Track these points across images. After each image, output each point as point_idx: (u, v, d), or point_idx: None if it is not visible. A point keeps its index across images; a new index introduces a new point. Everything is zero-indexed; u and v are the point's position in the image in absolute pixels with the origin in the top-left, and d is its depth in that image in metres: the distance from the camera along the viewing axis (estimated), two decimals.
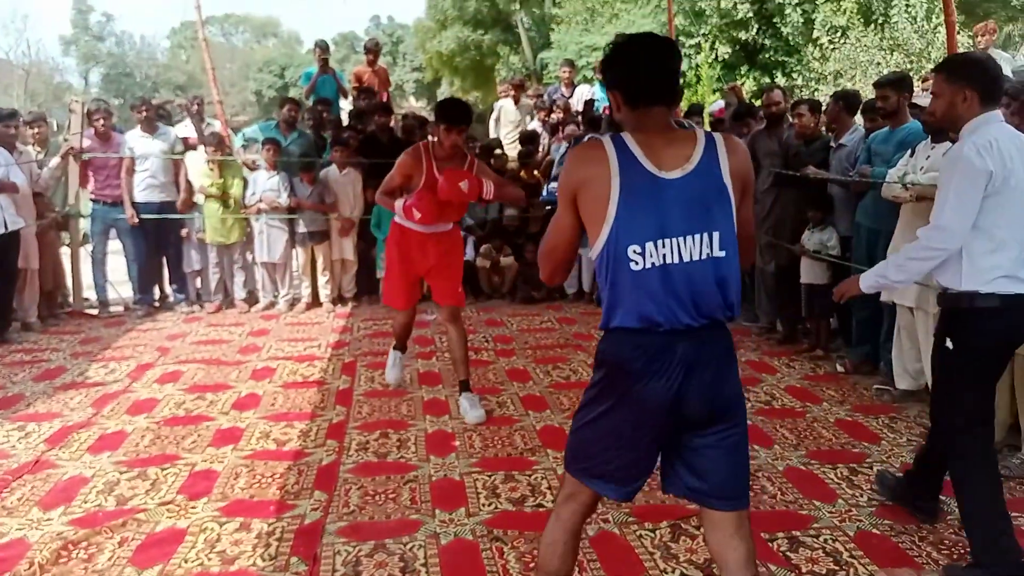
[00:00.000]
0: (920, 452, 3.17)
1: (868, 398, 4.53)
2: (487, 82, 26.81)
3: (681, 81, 9.81)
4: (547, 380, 4.91)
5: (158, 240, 6.99)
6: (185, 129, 7.68)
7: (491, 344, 5.81)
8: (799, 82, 15.11)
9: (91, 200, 6.96)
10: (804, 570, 2.71)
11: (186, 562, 2.78)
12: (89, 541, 2.91)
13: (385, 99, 8.81)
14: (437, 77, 30.98)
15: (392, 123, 7.83)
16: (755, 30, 16.11)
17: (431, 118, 6.30)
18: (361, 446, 3.85)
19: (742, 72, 16.20)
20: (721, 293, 1.87)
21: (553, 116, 8.66)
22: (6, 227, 5.75)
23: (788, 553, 2.82)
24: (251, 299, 7.19)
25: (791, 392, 4.62)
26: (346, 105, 8.86)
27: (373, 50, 9.19)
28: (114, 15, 52.72)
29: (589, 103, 8.70)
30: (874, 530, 2.98)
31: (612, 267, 1.86)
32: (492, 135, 9.02)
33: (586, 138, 2.10)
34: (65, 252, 7.17)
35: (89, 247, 7.01)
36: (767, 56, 16.33)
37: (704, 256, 1.84)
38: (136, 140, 6.89)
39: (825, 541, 2.90)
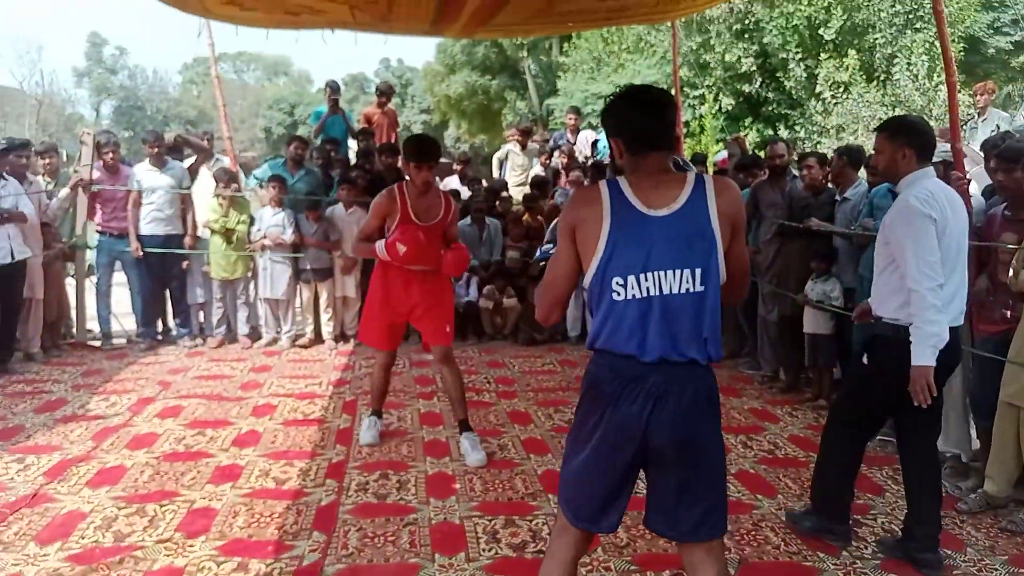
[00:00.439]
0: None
1: (871, 449, 4.49)
2: (493, 126, 27.13)
3: (684, 130, 9.96)
4: (549, 423, 4.89)
5: (162, 273, 7.01)
6: (191, 160, 7.76)
7: (493, 385, 5.80)
8: (801, 135, 15.29)
9: (97, 232, 7.01)
10: None
11: None
12: None
13: (393, 140, 8.92)
14: (445, 120, 31.34)
15: (399, 163, 7.90)
16: (758, 83, 16.35)
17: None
18: (361, 487, 3.83)
19: (745, 124, 16.39)
20: (697, 328, 1.99)
21: (556, 160, 8.78)
22: (13, 257, 5.77)
23: None
24: (254, 335, 7.19)
25: (794, 441, 4.60)
26: (354, 145, 8.96)
27: (386, 93, 9.35)
28: (127, 49, 53.51)
29: (594, 147, 8.82)
30: None
31: (598, 295, 2.03)
32: (496, 177, 9.12)
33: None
34: (70, 283, 7.20)
35: (94, 279, 7.04)
36: (770, 108, 16.54)
37: (684, 290, 1.97)
38: (144, 173, 6.95)
39: None
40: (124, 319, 7.19)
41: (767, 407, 5.32)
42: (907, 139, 2.97)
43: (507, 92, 26.02)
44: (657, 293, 1.97)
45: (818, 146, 13.78)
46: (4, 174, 5.88)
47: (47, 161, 7.02)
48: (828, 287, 5.15)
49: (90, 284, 7.09)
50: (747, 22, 16.04)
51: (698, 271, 1.97)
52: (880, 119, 13.11)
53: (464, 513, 3.53)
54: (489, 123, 27.85)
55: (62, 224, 6.94)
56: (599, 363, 2.07)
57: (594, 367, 2.09)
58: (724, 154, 9.48)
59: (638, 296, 1.98)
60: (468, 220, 7.41)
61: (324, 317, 7.19)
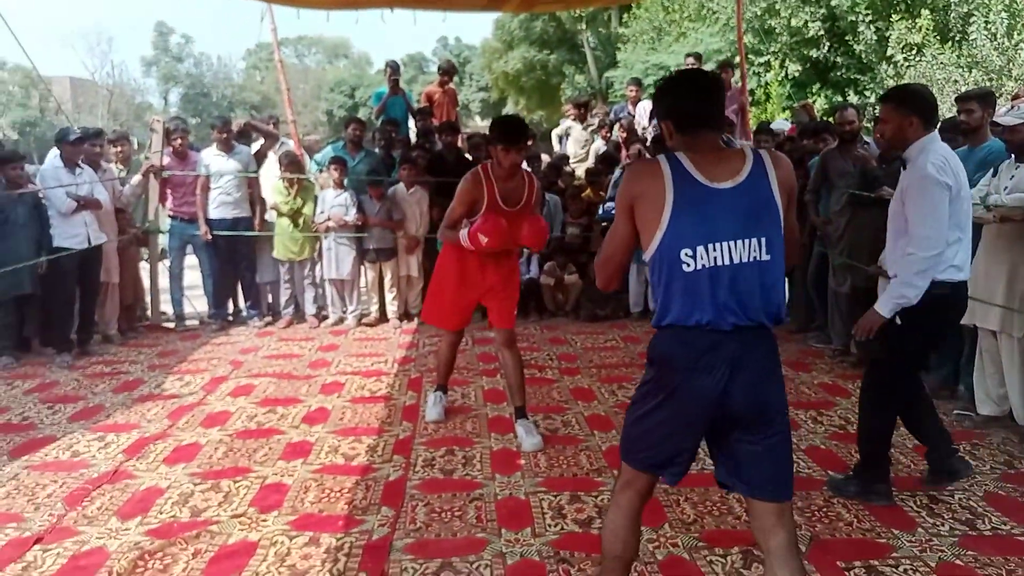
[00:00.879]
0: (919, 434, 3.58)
1: (948, 423, 4.34)
2: (552, 101, 26.96)
3: (749, 98, 9.73)
4: (612, 400, 4.86)
5: (232, 256, 7.16)
6: (258, 146, 7.90)
7: (555, 362, 5.79)
8: (872, 100, 14.74)
9: (169, 216, 7.20)
10: None
11: (257, 575, 2.83)
12: (164, 552, 2.98)
13: (453, 119, 8.92)
14: (503, 97, 31.29)
15: (459, 142, 7.91)
16: (826, 48, 15.81)
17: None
18: (427, 462, 3.87)
19: (813, 90, 15.89)
20: (766, 294, 2.05)
21: (616, 134, 8.66)
22: (90, 242, 5.98)
23: None
24: (321, 315, 7.32)
25: None
26: (415, 125, 9.00)
27: (448, 71, 9.34)
28: (193, 37, 54.74)
29: (652, 119, 8.67)
30: (957, 561, 2.87)
31: (666, 269, 2.06)
32: (557, 152, 9.05)
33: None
34: (144, 267, 7.43)
35: (167, 262, 7.25)
36: (839, 74, 16.00)
37: (751, 259, 2.03)
38: (212, 158, 7.09)
39: (905, 572, 2.80)
40: (196, 301, 7.39)
41: (838, 381, 5.18)
42: (913, 107, 3.13)
43: (566, 66, 25.80)
44: (725, 263, 2.02)
45: None
46: (80, 163, 6.07)
47: (119, 149, 7.22)
48: None
49: (163, 267, 7.30)
50: None
51: (763, 240, 2.04)
52: (955, 81, 12.61)
53: (529, 489, 3.55)
54: (548, 99, 27.68)
55: (135, 210, 7.14)
56: (669, 339, 2.10)
57: (663, 344, 2.13)
58: (781, 124, 9.16)
59: (708, 266, 2.02)
60: None
61: (389, 296, 7.27)
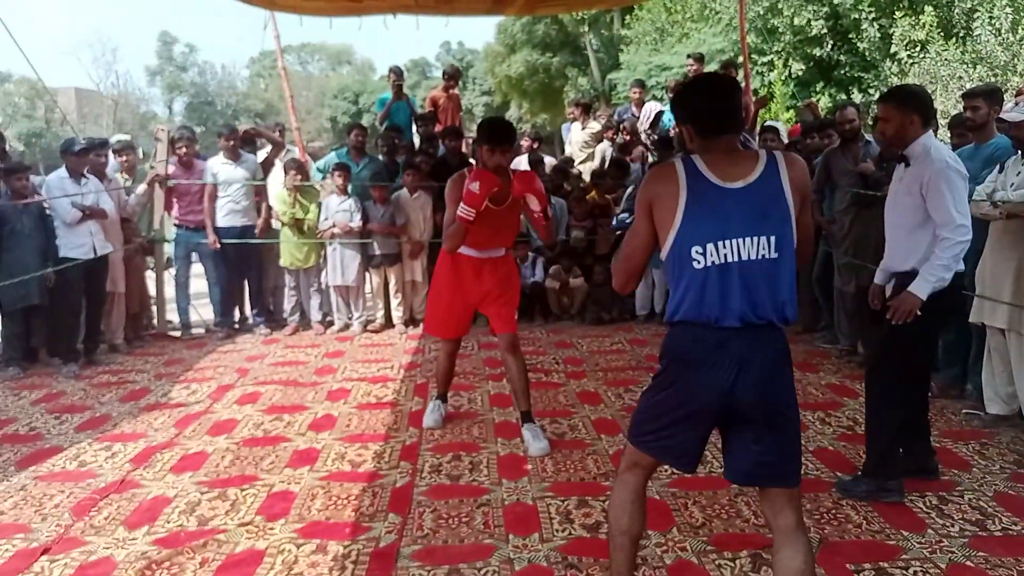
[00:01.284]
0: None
1: (957, 423, 4.34)
2: (555, 104, 26.98)
3: (753, 98, 9.69)
4: (619, 403, 4.85)
5: (240, 264, 7.17)
6: (264, 154, 7.91)
7: (561, 366, 5.78)
8: (876, 98, 14.70)
9: (175, 225, 7.21)
10: None
11: None
12: (172, 561, 2.98)
13: (457, 124, 8.92)
14: (506, 100, 31.30)
15: (463, 147, 7.91)
16: (830, 46, 15.78)
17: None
18: (434, 468, 3.87)
19: (817, 89, 15.86)
20: (774, 292, 2.11)
21: (619, 137, 8.64)
22: (95, 252, 6.00)
23: None
24: (326, 321, 7.32)
25: None
26: (418, 130, 8.98)
27: (453, 76, 9.33)
28: (196, 46, 54.81)
29: (657, 119, 8.65)
30: (967, 562, 2.85)
31: (678, 266, 2.14)
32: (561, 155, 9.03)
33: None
34: (150, 276, 7.44)
35: (172, 271, 7.26)
36: (842, 72, 15.96)
37: (760, 256, 2.09)
38: (219, 167, 7.09)
39: (915, 573, 2.78)
40: (202, 309, 7.40)
41: (845, 382, 5.16)
42: (915, 106, 3.24)
43: (568, 69, 25.80)
44: (735, 259, 2.09)
45: None
46: (85, 173, 6.09)
47: (124, 159, 7.24)
48: None
49: (169, 276, 7.32)
50: None
51: (773, 238, 2.09)
52: (960, 78, 12.56)
53: (537, 494, 3.53)
54: (551, 101, 27.68)
55: (140, 219, 7.16)
56: (682, 334, 2.18)
57: (676, 339, 2.20)
58: (776, 124, 9.10)
59: (717, 263, 2.09)
60: None
61: (394, 302, 7.27)
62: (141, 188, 7.07)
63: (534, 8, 6.58)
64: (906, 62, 13.81)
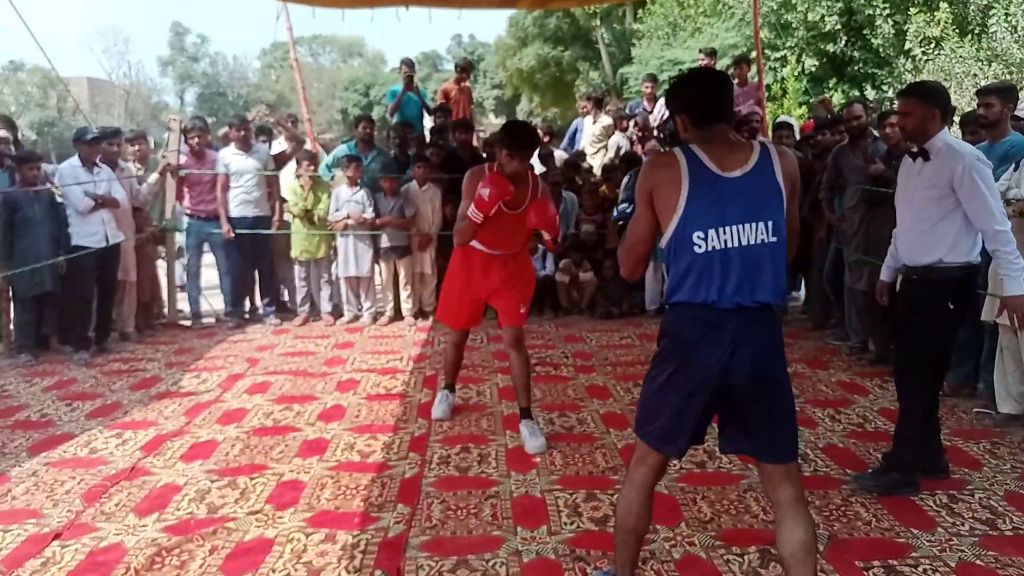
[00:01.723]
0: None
1: (968, 422, 4.32)
2: (566, 98, 26.93)
3: (766, 93, 9.68)
4: (627, 397, 4.84)
5: (251, 254, 7.18)
6: (279, 146, 7.92)
7: (570, 360, 5.78)
8: (890, 94, 14.60)
9: (186, 215, 7.23)
10: None
11: (274, 572, 2.83)
12: (182, 548, 3.00)
13: (468, 116, 8.91)
14: (517, 94, 31.27)
15: (474, 140, 7.90)
16: (843, 42, 15.69)
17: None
18: (443, 460, 3.87)
19: (830, 85, 15.77)
20: (771, 274, 2.20)
21: (631, 131, 8.61)
22: (107, 241, 6.02)
23: None
24: (336, 312, 7.34)
25: (885, 414, 4.44)
26: (429, 122, 8.98)
27: (466, 68, 9.33)
28: (208, 37, 55.00)
29: (666, 120, 8.61)
30: (977, 561, 2.84)
31: (679, 251, 2.23)
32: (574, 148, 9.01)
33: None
34: (161, 265, 7.47)
35: (184, 260, 7.27)
36: (856, 68, 15.86)
37: (759, 241, 2.19)
38: (231, 157, 7.10)
39: (924, 572, 2.77)
40: (213, 299, 7.43)
41: (856, 379, 5.15)
42: (936, 101, 3.25)
43: (580, 63, 25.75)
44: (735, 245, 2.18)
45: None
46: (97, 162, 6.11)
47: (136, 148, 7.26)
48: None
49: (180, 265, 7.33)
50: None
51: (770, 223, 2.19)
52: (974, 75, 12.47)
53: (545, 487, 3.54)
54: (562, 95, 27.64)
55: (152, 208, 7.17)
56: (679, 314, 2.27)
57: (674, 319, 2.30)
58: (787, 119, 9.07)
59: (718, 248, 2.18)
60: None
61: (403, 294, 7.27)
62: (153, 177, 7.09)
63: (546, 2, 6.59)
64: (920, 59, 13.73)
